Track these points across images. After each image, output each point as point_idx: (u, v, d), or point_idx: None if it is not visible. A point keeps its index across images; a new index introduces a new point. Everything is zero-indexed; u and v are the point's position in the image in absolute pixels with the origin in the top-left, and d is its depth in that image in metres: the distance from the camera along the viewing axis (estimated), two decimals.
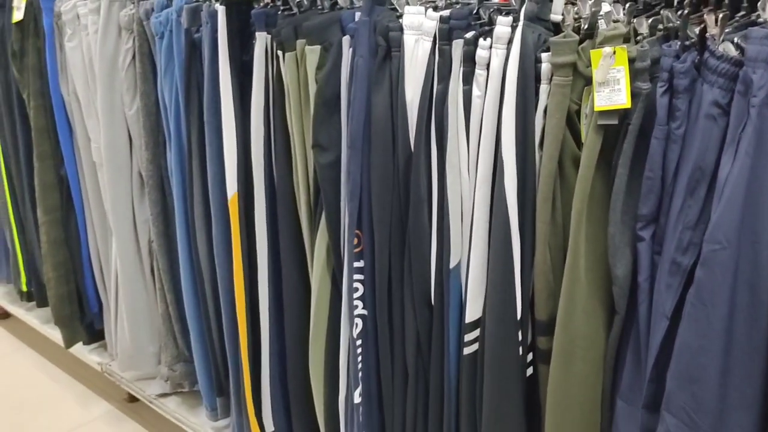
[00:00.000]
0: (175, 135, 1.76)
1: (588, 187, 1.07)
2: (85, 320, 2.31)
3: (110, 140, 1.91)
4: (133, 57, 1.82)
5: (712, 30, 0.97)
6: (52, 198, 2.17)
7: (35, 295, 2.46)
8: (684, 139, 0.99)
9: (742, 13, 1.01)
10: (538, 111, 1.13)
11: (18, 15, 2.03)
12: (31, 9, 2.04)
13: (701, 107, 0.97)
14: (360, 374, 1.50)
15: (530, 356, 1.28)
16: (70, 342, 2.31)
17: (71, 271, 2.25)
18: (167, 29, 1.70)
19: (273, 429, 1.80)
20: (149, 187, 1.90)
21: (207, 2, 1.62)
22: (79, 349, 2.38)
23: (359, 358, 1.50)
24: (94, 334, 2.33)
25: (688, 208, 1.00)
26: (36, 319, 2.60)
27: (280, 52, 1.48)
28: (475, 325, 1.29)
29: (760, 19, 0.97)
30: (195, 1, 1.65)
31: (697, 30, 1.00)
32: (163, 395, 2.16)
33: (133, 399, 2.32)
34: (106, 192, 2.00)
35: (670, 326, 1.03)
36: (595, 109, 1.04)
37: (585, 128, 1.09)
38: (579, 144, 1.12)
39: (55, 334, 2.44)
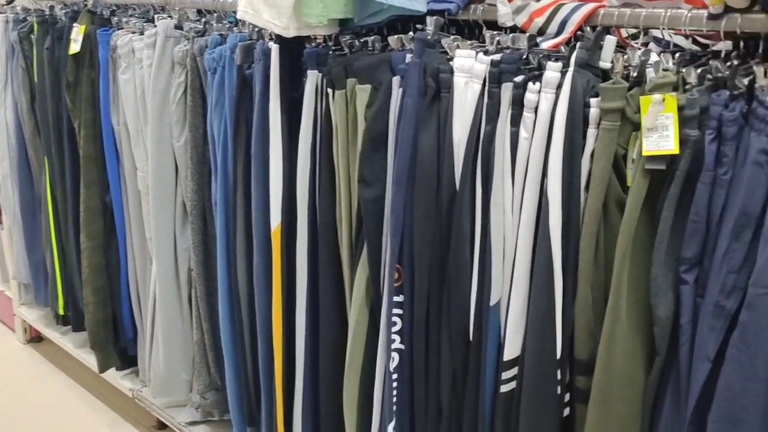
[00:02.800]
0: (221, 167, 1.81)
1: (633, 229, 1.10)
2: (119, 346, 2.34)
3: (157, 169, 1.97)
4: (185, 91, 1.89)
5: (761, 81, 1.01)
6: (95, 224, 2.23)
7: (71, 319, 2.50)
8: (730, 184, 1.02)
9: None
10: (585, 154, 1.17)
11: (75, 47, 2.12)
12: (88, 42, 2.12)
13: (749, 154, 0.99)
14: (395, 408, 1.51)
15: (568, 396, 1.29)
16: (104, 367, 2.35)
17: (109, 296, 2.29)
18: (220, 65, 1.76)
19: None
20: (192, 216, 1.94)
21: (260, 41, 1.69)
22: (111, 375, 2.41)
23: (394, 392, 1.51)
24: (127, 360, 2.37)
25: (733, 252, 1.02)
26: (70, 343, 2.65)
27: (330, 90, 1.53)
28: (513, 363, 1.30)
29: None
30: (248, 40, 1.72)
31: (745, 81, 1.03)
32: (193, 423, 2.19)
33: (162, 426, 2.35)
34: (149, 220, 2.05)
35: (712, 369, 1.04)
36: (644, 153, 1.07)
37: (632, 172, 1.12)
38: (624, 187, 1.15)
39: (88, 359, 2.48)
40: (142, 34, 1.98)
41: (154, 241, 2.03)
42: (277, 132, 1.64)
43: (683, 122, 1.05)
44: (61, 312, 2.53)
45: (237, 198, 1.79)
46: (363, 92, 1.45)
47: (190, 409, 2.19)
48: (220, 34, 1.81)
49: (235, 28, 1.83)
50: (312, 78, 1.57)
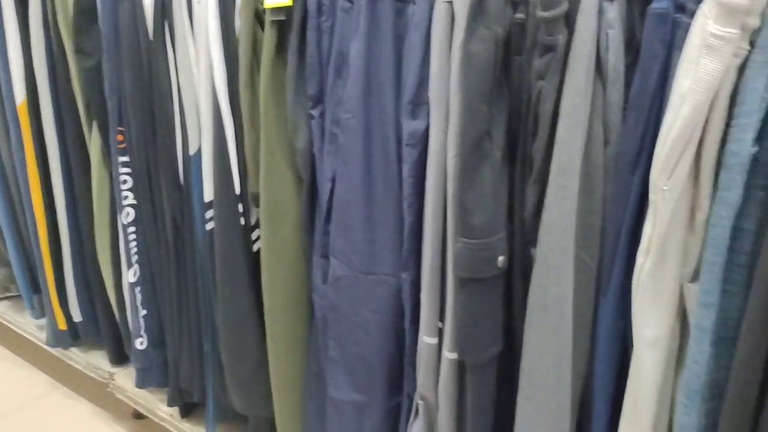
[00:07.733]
0: None
1: (269, 74, 1.27)
2: None
3: None
4: None
5: None
6: None
7: None
8: (332, 30, 1.20)
9: None
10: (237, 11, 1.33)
11: None
12: None
13: (338, 2, 1.17)
14: (136, 257, 1.70)
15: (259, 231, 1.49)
16: None
17: None
18: None
19: (81, 319, 1.99)
20: None
21: None
22: None
23: (133, 244, 1.69)
24: None
25: (337, 87, 1.21)
26: None
27: None
28: (210, 204, 1.49)
29: None
30: None
31: None
32: None
33: None
34: None
35: (332, 187, 1.25)
36: (265, 6, 1.24)
37: None
38: None
39: None
40: None
41: None
42: (9, 3, 1.72)
43: None
44: None
45: None
46: None
47: None
48: None
49: None
50: None
